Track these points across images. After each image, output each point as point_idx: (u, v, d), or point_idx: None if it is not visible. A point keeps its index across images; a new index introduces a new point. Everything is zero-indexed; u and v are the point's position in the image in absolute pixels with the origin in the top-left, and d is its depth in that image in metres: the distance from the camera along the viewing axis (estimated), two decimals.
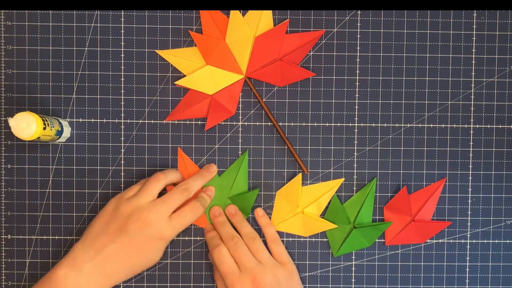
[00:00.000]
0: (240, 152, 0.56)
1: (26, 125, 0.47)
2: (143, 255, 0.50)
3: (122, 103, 0.56)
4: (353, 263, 0.57)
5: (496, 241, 0.57)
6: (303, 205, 0.56)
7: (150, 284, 0.56)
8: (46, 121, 0.49)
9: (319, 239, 0.56)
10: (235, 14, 0.54)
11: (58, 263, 0.49)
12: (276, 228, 0.56)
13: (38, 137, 0.48)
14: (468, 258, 0.57)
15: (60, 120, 0.53)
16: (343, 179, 0.56)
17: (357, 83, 0.56)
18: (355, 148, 0.57)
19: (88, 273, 0.48)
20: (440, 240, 0.57)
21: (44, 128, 0.49)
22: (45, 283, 0.48)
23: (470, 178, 0.57)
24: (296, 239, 0.57)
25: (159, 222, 0.49)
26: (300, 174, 0.56)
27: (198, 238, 0.56)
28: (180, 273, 0.56)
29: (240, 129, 0.56)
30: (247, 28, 0.54)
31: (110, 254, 0.49)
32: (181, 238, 0.56)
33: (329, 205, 0.56)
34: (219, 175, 0.56)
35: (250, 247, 0.53)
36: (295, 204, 0.55)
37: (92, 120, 0.56)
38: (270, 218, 0.56)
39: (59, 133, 0.52)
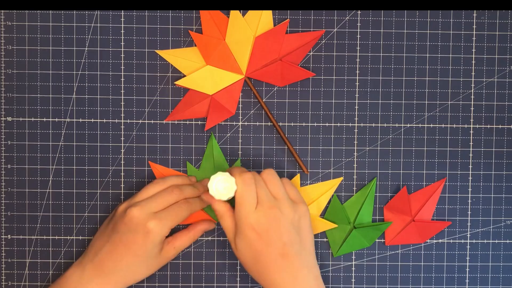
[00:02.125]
0: (240, 152, 0.56)
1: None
2: (133, 253, 0.49)
3: (122, 103, 0.56)
4: (353, 263, 0.57)
5: (496, 241, 0.57)
6: None
7: (150, 284, 0.56)
8: (231, 189, 0.49)
9: (319, 239, 0.56)
10: (235, 14, 0.54)
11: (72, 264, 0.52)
12: None
13: None
14: (468, 258, 0.57)
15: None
16: (341, 178, 0.56)
17: (357, 83, 0.56)
18: (355, 148, 0.57)
19: (89, 273, 0.50)
20: (440, 240, 0.57)
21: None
22: (57, 280, 0.52)
23: (470, 178, 0.57)
24: None
25: (142, 215, 0.49)
26: (299, 174, 0.56)
27: (198, 238, 0.56)
28: (180, 273, 0.56)
29: (240, 129, 0.56)
30: (247, 28, 0.54)
31: (105, 253, 0.50)
32: None
33: (329, 205, 0.56)
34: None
35: (266, 180, 0.50)
36: None
37: (92, 120, 0.56)
38: None
39: (232, 200, 0.50)
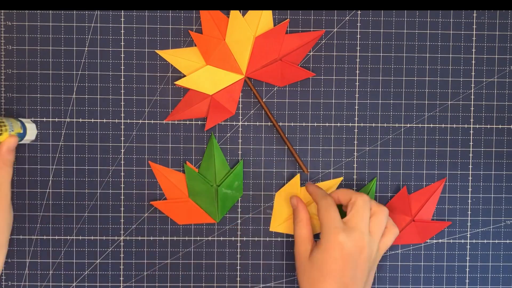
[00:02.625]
0: (240, 152, 0.56)
1: None
2: None
3: (122, 103, 0.56)
4: None
5: (496, 241, 0.57)
6: None
7: (150, 284, 0.56)
8: (4, 125, 0.48)
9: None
10: (235, 14, 0.54)
11: None
12: (276, 229, 0.56)
13: None
14: (468, 258, 0.57)
15: (24, 122, 0.53)
16: (341, 178, 0.56)
17: (357, 83, 0.56)
18: (355, 148, 0.57)
19: None
20: (440, 240, 0.57)
21: (0, 133, 0.48)
22: None
23: (470, 178, 0.57)
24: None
25: None
26: (299, 174, 0.56)
27: (198, 238, 0.56)
28: (180, 273, 0.57)
29: (240, 129, 0.56)
30: (247, 28, 0.54)
31: None
32: (181, 238, 0.56)
33: None
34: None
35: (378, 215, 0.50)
36: None
37: (92, 120, 0.56)
38: (270, 219, 0.56)
39: (21, 135, 0.51)
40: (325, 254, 0.48)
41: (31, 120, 0.55)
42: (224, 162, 0.56)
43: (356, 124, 0.56)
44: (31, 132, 0.54)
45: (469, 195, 0.57)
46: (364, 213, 0.49)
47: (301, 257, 0.50)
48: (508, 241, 0.57)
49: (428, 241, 0.57)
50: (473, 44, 0.56)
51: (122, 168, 0.56)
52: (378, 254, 0.50)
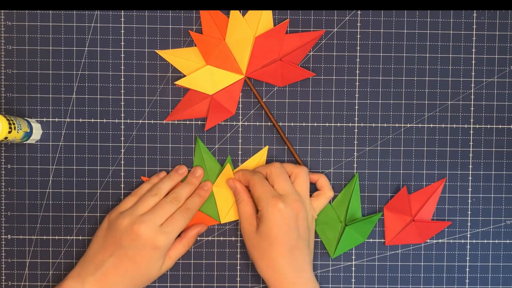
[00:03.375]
0: (240, 152, 0.56)
1: None
2: (139, 267, 0.50)
3: (122, 103, 0.56)
4: (353, 263, 0.57)
5: (496, 241, 0.57)
6: None
7: (150, 284, 0.56)
8: (13, 123, 0.49)
9: (319, 239, 0.56)
10: (235, 14, 0.54)
11: (66, 276, 0.51)
12: (226, 219, 0.56)
13: (3, 139, 0.48)
14: (468, 258, 0.57)
15: (30, 122, 0.53)
16: (267, 146, 0.56)
17: (357, 83, 0.56)
18: (355, 148, 0.57)
19: (90, 286, 0.49)
20: (440, 240, 0.57)
21: (10, 131, 0.48)
22: None
23: (470, 178, 0.57)
24: None
25: (150, 232, 0.50)
26: (228, 164, 0.55)
27: (198, 238, 0.56)
28: (180, 273, 0.56)
29: (240, 129, 0.56)
30: (247, 28, 0.54)
31: (108, 268, 0.50)
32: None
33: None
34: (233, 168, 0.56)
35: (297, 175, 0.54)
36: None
37: (92, 120, 0.56)
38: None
39: (27, 134, 0.52)
40: (269, 224, 0.50)
41: (36, 121, 0.55)
42: (215, 164, 0.56)
43: (356, 124, 0.56)
44: (37, 131, 0.54)
45: (469, 195, 0.57)
46: (284, 178, 0.52)
47: (248, 233, 0.52)
48: (508, 241, 0.57)
49: (428, 241, 0.57)
50: (473, 44, 0.56)
51: (122, 168, 0.56)
52: (314, 212, 0.54)
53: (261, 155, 0.56)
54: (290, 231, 0.50)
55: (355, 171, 0.57)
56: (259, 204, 0.51)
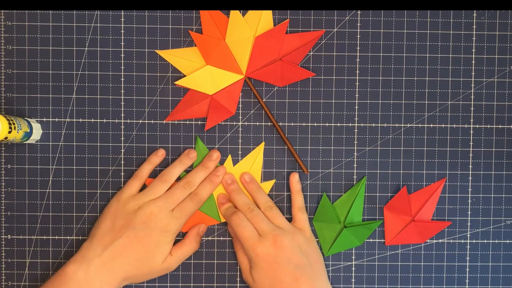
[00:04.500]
0: (240, 152, 0.56)
1: None
2: (146, 249, 0.50)
3: (122, 103, 0.56)
4: (353, 263, 0.57)
5: (496, 241, 0.57)
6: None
7: (150, 284, 0.56)
8: (13, 123, 0.49)
9: (318, 239, 0.56)
10: (235, 14, 0.54)
11: (68, 261, 0.51)
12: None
13: (3, 139, 0.48)
14: (468, 258, 0.57)
15: (30, 122, 0.53)
16: (263, 143, 0.56)
17: (357, 83, 0.56)
18: (355, 148, 0.57)
19: (96, 269, 0.49)
20: (440, 240, 0.57)
21: (10, 131, 0.48)
22: (56, 280, 0.50)
23: (470, 178, 0.57)
24: None
25: (162, 215, 0.51)
26: (263, 143, 0.56)
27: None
28: (180, 273, 0.56)
29: (240, 129, 0.56)
30: (247, 28, 0.54)
31: (116, 248, 0.50)
32: (181, 238, 0.56)
33: (319, 205, 0.56)
34: (233, 165, 0.56)
35: (267, 214, 0.54)
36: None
37: (92, 120, 0.56)
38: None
39: (27, 134, 0.52)
40: (261, 271, 0.51)
41: (36, 121, 0.55)
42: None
43: (356, 124, 0.56)
44: (37, 131, 0.54)
45: (469, 195, 0.57)
46: (261, 217, 0.53)
47: (248, 279, 0.53)
48: (508, 241, 0.57)
49: (428, 241, 0.57)
50: (473, 44, 0.56)
51: (122, 168, 0.56)
52: (304, 232, 0.54)
53: (258, 152, 0.56)
54: (283, 268, 0.50)
55: (355, 171, 0.57)
56: (244, 250, 0.52)
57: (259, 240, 0.51)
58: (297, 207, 0.55)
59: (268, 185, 0.56)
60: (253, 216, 0.53)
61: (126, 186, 0.54)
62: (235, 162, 0.56)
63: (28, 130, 0.52)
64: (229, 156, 0.56)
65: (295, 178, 0.56)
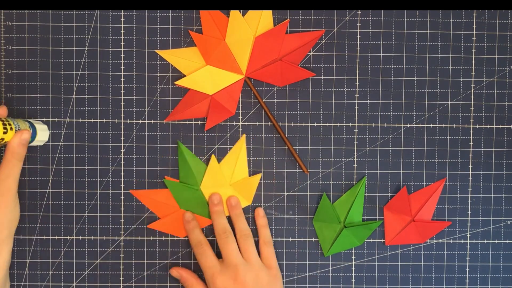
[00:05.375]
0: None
1: None
2: None
3: (122, 103, 0.56)
4: (353, 263, 0.57)
5: (496, 241, 0.57)
6: (234, 179, 0.56)
7: (150, 284, 0.56)
8: (8, 123, 0.48)
9: (314, 239, 0.56)
10: (235, 14, 0.54)
11: None
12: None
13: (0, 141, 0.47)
14: (468, 258, 0.57)
15: (34, 123, 0.52)
16: (244, 135, 0.56)
17: (357, 83, 0.56)
18: (355, 148, 0.57)
19: None
20: (440, 240, 0.57)
21: (5, 132, 0.47)
22: None
23: (470, 178, 0.57)
24: (296, 239, 0.57)
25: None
26: (244, 136, 0.55)
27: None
28: None
29: (240, 129, 0.56)
30: (247, 28, 0.54)
31: None
32: (181, 238, 0.56)
33: (319, 204, 0.56)
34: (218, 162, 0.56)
35: (240, 244, 0.53)
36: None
37: (92, 120, 0.56)
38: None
39: (31, 135, 0.51)
40: None
41: (42, 121, 0.54)
42: (200, 163, 0.56)
43: (356, 124, 0.56)
44: (43, 133, 0.53)
45: (469, 195, 0.57)
46: (232, 247, 0.53)
47: None
48: (508, 241, 0.57)
49: (428, 241, 0.57)
50: (473, 44, 0.56)
51: (122, 168, 0.56)
52: (271, 275, 0.53)
53: (240, 146, 0.56)
54: None
55: (355, 171, 0.57)
56: (205, 279, 0.53)
57: (221, 271, 0.51)
58: (263, 241, 0.55)
59: (255, 179, 0.56)
60: (226, 242, 0.53)
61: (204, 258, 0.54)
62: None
63: (30, 131, 0.51)
64: (213, 156, 0.56)
65: (259, 214, 0.56)
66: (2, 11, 0.55)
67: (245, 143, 0.56)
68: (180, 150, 0.55)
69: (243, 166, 0.56)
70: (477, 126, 0.57)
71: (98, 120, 0.56)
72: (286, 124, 0.56)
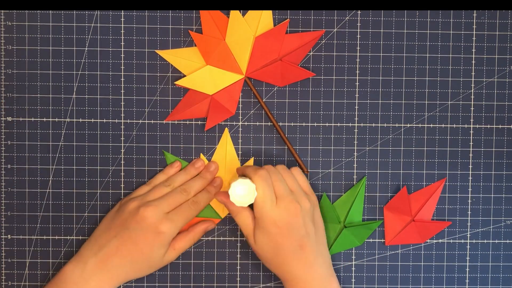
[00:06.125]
0: (240, 152, 0.56)
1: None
2: (141, 251, 0.50)
3: (122, 103, 0.56)
4: (353, 263, 0.57)
5: (496, 241, 0.57)
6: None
7: (150, 284, 0.56)
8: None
9: None
10: (235, 14, 0.54)
11: (68, 260, 0.52)
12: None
13: None
14: (468, 258, 0.57)
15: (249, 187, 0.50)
16: (226, 129, 0.56)
17: (357, 83, 0.56)
18: (355, 148, 0.57)
19: (92, 268, 0.50)
20: (440, 240, 0.57)
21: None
22: (55, 279, 0.51)
23: (470, 178, 0.57)
24: None
25: (155, 217, 0.50)
26: (227, 129, 0.55)
27: (199, 238, 0.56)
28: (180, 273, 0.56)
29: (240, 129, 0.56)
30: (247, 28, 0.54)
31: (111, 249, 0.50)
32: None
33: (319, 204, 0.56)
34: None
35: (282, 173, 0.52)
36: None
37: (92, 120, 0.56)
38: None
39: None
40: (268, 233, 0.50)
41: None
42: (235, 159, 0.56)
43: (356, 124, 0.56)
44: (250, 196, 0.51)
45: (469, 195, 0.57)
46: (279, 178, 0.50)
47: (251, 240, 0.51)
48: (508, 241, 0.57)
49: (428, 241, 0.57)
50: (473, 44, 0.56)
51: (122, 168, 0.56)
52: (313, 203, 0.52)
53: (225, 140, 0.56)
54: (291, 235, 0.49)
55: (355, 171, 0.57)
56: (254, 209, 0.50)
57: (275, 203, 0.49)
58: (296, 172, 0.54)
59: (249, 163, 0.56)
60: (273, 174, 0.51)
61: (136, 190, 0.54)
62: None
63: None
64: (201, 154, 0.56)
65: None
66: (2, 11, 0.55)
67: (229, 135, 0.56)
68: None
69: (234, 160, 0.56)
70: (477, 126, 0.57)
71: (98, 120, 0.56)
72: (286, 124, 0.56)
